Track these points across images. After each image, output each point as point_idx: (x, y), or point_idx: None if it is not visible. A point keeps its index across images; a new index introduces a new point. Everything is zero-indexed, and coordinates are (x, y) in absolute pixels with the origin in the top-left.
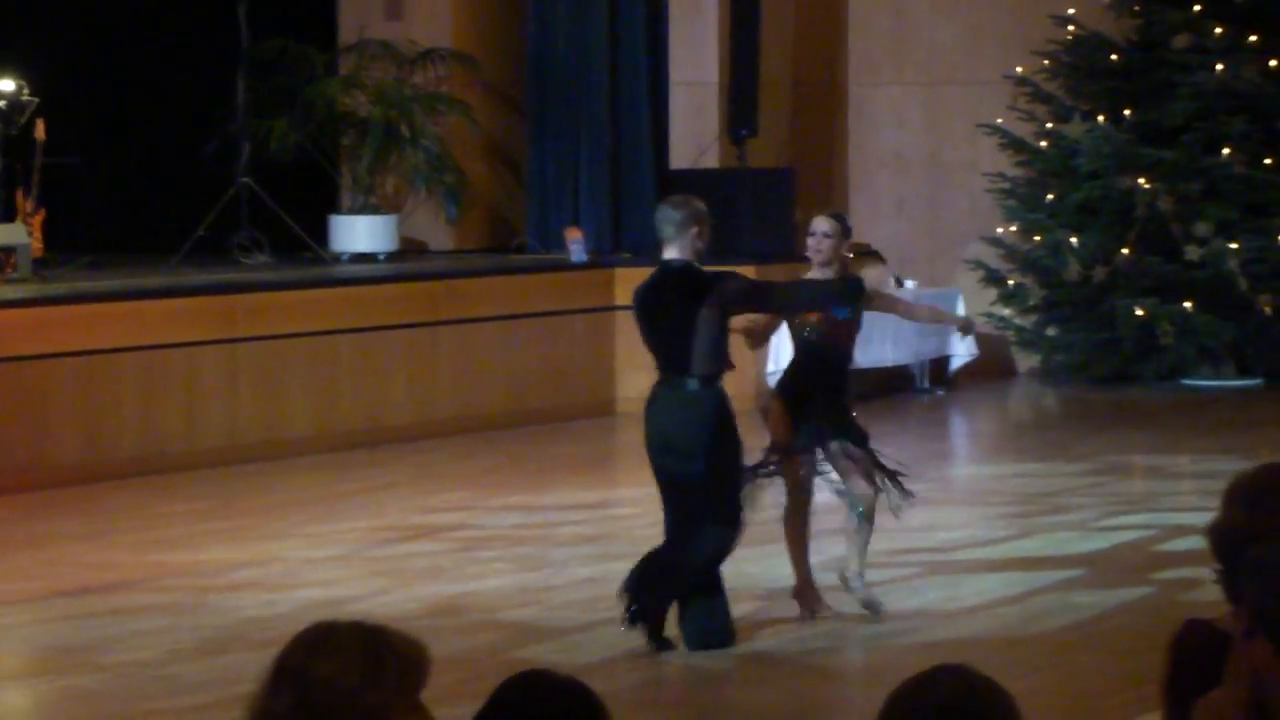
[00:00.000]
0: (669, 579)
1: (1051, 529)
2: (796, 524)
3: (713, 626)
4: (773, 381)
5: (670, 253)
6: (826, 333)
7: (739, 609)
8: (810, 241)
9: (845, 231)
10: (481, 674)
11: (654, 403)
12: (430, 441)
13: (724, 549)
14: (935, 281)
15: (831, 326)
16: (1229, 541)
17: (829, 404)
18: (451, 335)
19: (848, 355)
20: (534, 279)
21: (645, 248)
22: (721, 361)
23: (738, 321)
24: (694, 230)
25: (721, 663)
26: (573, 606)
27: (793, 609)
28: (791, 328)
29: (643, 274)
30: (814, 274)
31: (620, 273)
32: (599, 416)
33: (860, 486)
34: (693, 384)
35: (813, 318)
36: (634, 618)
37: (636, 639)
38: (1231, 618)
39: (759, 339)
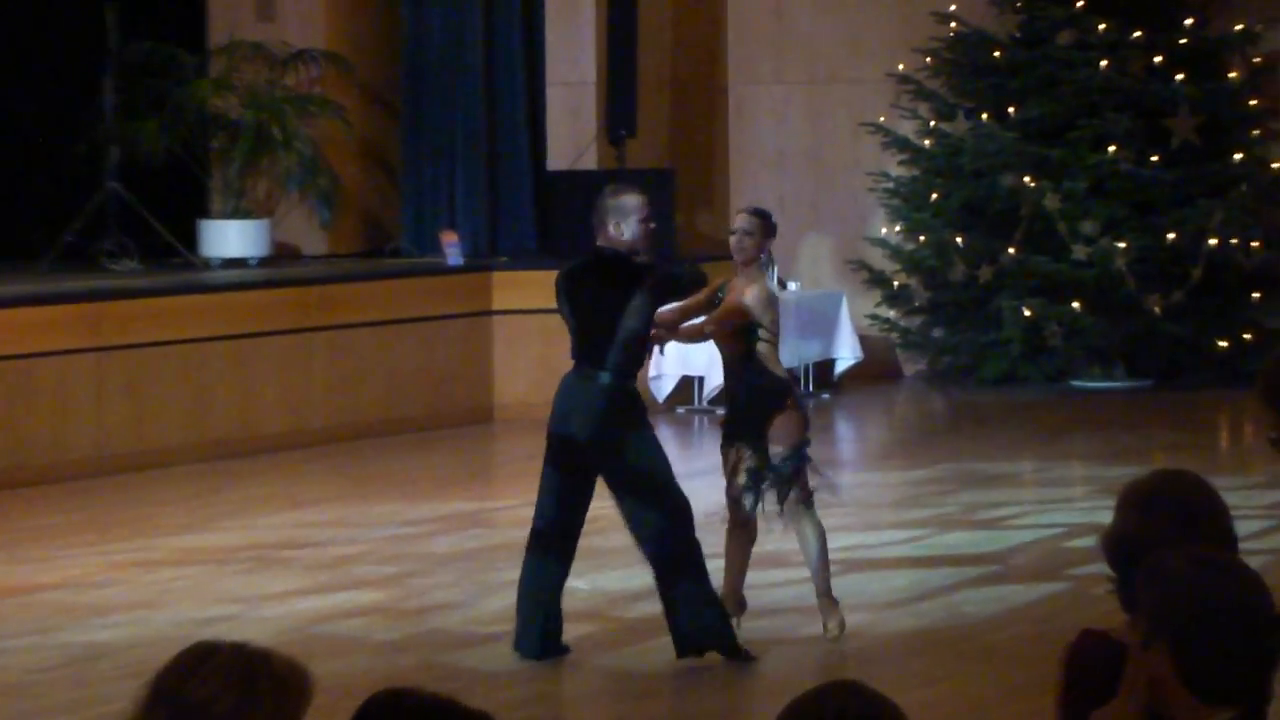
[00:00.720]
0: (697, 598)
1: (940, 535)
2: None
3: (706, 623)
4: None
5: (604, 240)
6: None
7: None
8: (732, 240)
9: (768, 229)
10: (352, 695)
11: (564, 391)
12: (304, 451)
13: (687, 539)
14: (818, 283)
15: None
16: (1122, 549)
17: None
18: (325, 342)
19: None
20: (409, 283)
21: (523, 251)
22: (640, 357)
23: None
24: (634, 218)
25: (593, 680)
26: (449, 623)
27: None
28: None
29: (522, 277)
30: (737, 275)
31: (498, 276)
32: (477, 424)
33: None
34: (605, 378)
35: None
36: (730, 653)
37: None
38: (1127, 628)
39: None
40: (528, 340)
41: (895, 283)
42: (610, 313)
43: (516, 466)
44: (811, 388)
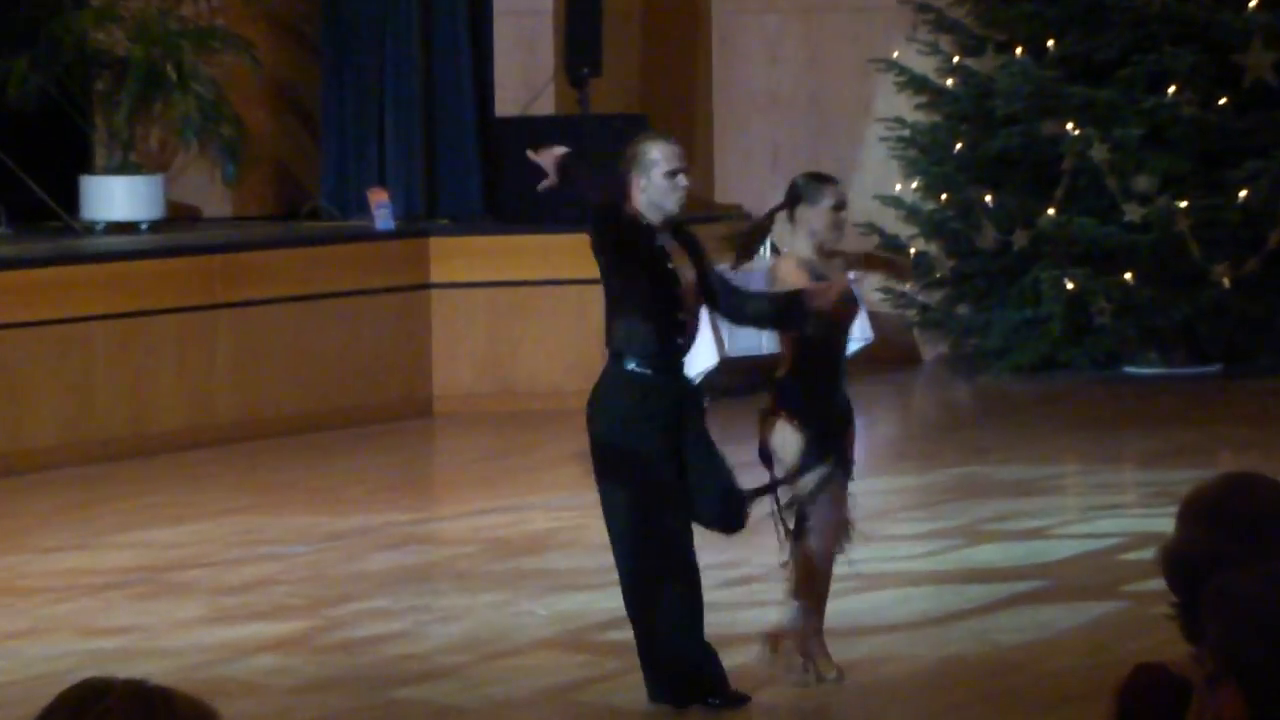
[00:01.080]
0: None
1: (967, 548)
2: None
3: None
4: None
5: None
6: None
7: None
8: (836, 216)
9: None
10: None
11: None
12: (206, 451)
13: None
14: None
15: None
16: (1185, 569)
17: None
18: (231, 321)
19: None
20: (331, 251)
21: (466, 212)
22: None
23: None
24: (655, 171)
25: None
26: (385, 656)
27: None
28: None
29: (465, 244)
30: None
31: (436, 243)
32: (412, 418)
33: None
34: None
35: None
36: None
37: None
38: (1191, 661)
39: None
40: (472, 319)
41: (912, 250)
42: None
43: (461, 470)
44: None
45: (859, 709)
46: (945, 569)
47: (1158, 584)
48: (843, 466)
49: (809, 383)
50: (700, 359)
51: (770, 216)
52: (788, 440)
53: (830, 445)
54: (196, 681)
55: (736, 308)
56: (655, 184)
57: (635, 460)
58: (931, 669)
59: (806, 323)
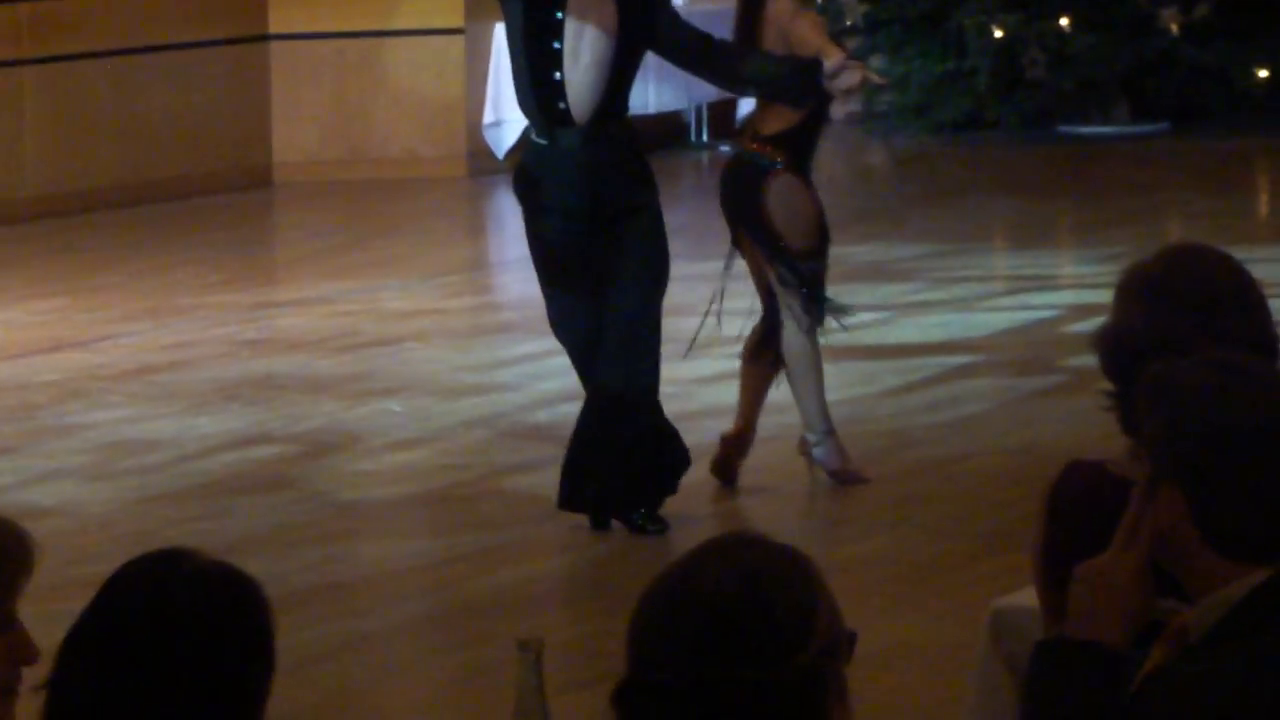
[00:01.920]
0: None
1: (884, 325)
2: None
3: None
4: None
5: None
6: None
7: None
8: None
9: None
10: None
11: None
12: (12, 229)
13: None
14: None
15: None
16: (1123, 352)
17: None
18: (40, 79)
19: None
20: None
21: None
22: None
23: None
24: None
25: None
26: (216, 462)
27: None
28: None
29: None
30: None
31: None
32: (249, 189)
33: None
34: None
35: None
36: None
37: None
38: (1128, 457)
39: None
40: (317, 75)
41: None
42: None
43: (304, 247)
44: (706, 137)
45: (763, 518)
46: (868, 344)
47: (1068, 394)
48: None
49: (812, 143)
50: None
51: None
52: (801, 208)
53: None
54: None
55: (726, 67)
56: None
57: (536, 247)
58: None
59: (815, 99)
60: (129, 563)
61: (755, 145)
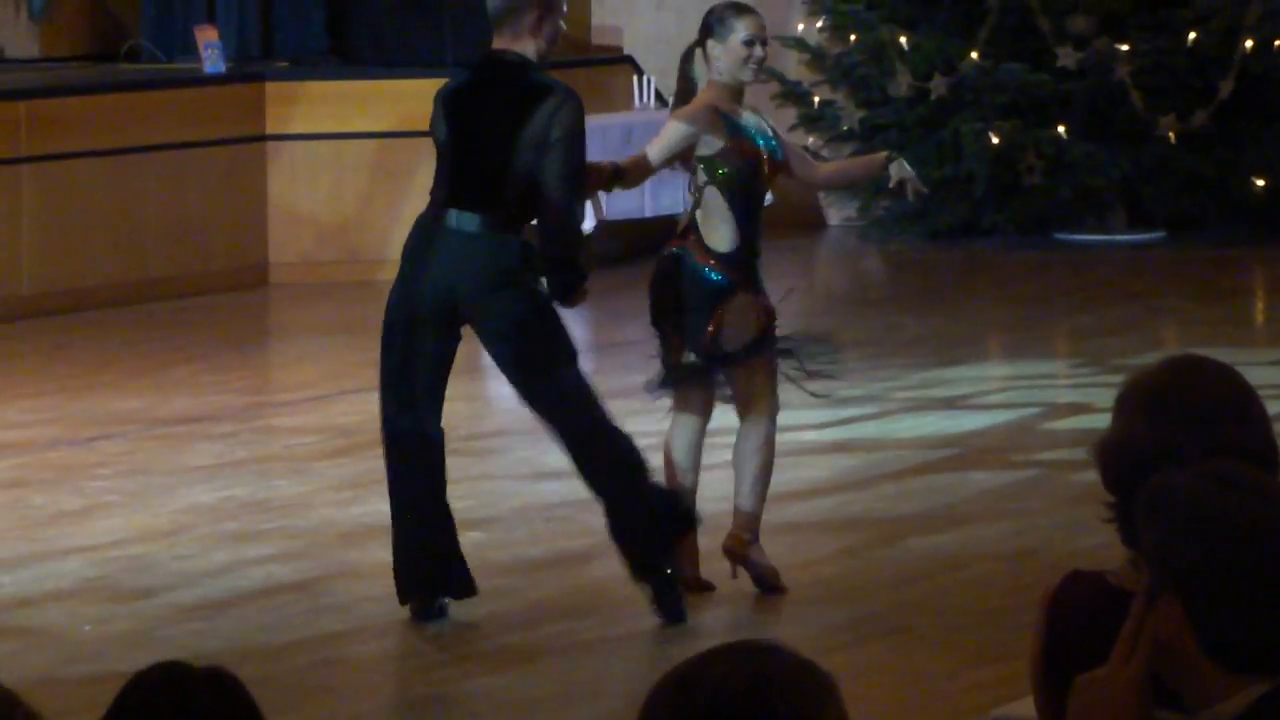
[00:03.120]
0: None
1: (876, 436)
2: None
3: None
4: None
5: (502, 42)
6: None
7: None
8: (752, 51)
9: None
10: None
11: (427, 245)
12: (7, 326)
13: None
14: None
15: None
16: (1123, 463)
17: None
18: (39, 178)
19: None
20: (153, 98)
21: (308, 53)
22: (536, 201)
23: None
24: (531, 16)
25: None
26: (213, 562)
27: None
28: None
29: (307, 90)
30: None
31: (273, 88)
32: (245, 289)
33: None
34: (476, 221)
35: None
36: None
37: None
38: (1129, 569)
39: (633, 179)
40: (314, 176)
41: (816, 98)
42: (506, 144)
43: (299, 346)
44: None
45: (753, 626)
46: (853, 439)
47: (1071, 506)
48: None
49: (753, 251)
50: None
51: (686, 54)
52: (751, 320)
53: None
54: None
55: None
56: (553, 21)
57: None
58: (841, 574)
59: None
60: (137, 676)
61: (703, 258)
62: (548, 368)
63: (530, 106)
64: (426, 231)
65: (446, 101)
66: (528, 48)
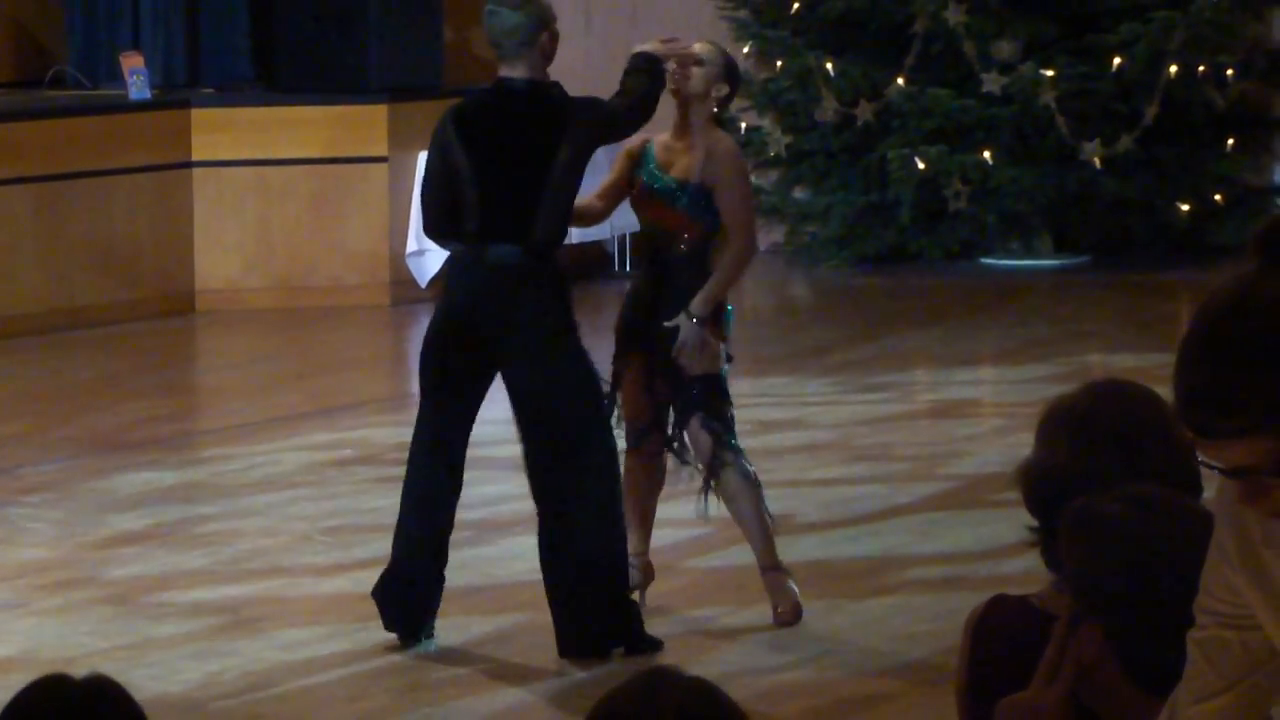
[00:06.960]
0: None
1: (801, 458)
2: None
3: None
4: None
5: (511, 70)
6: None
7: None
8: (669, 66)
9: (729, 72)
10: None
11: (457, 279)
12: None
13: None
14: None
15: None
16: (1046, 488)
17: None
18: None
19: None
20: (77, 124)
21: (235, 79)
22: (566, 225)
23: None
24: (543, 37)
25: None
26: (136, 604)
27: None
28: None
29: (234, 116)
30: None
31: (199, 114)
32: (171, 316)
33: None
34: (516, 253)
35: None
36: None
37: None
38: (1053, 592)
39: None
40: (241, 202)
41: (743, 124)
42: (532, 171)
43: (227, 376)
44: (629, 267)
45: (690, 652)
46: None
47: (993, 526)
48: None
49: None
50: None
51: None
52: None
53: None
54: None
55: None
56: (552, 44)
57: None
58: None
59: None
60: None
61: None
62: (577, 437)
63: (557, 130)
64: (468, 268)
65: (459, 129)
66: (538, 70)
